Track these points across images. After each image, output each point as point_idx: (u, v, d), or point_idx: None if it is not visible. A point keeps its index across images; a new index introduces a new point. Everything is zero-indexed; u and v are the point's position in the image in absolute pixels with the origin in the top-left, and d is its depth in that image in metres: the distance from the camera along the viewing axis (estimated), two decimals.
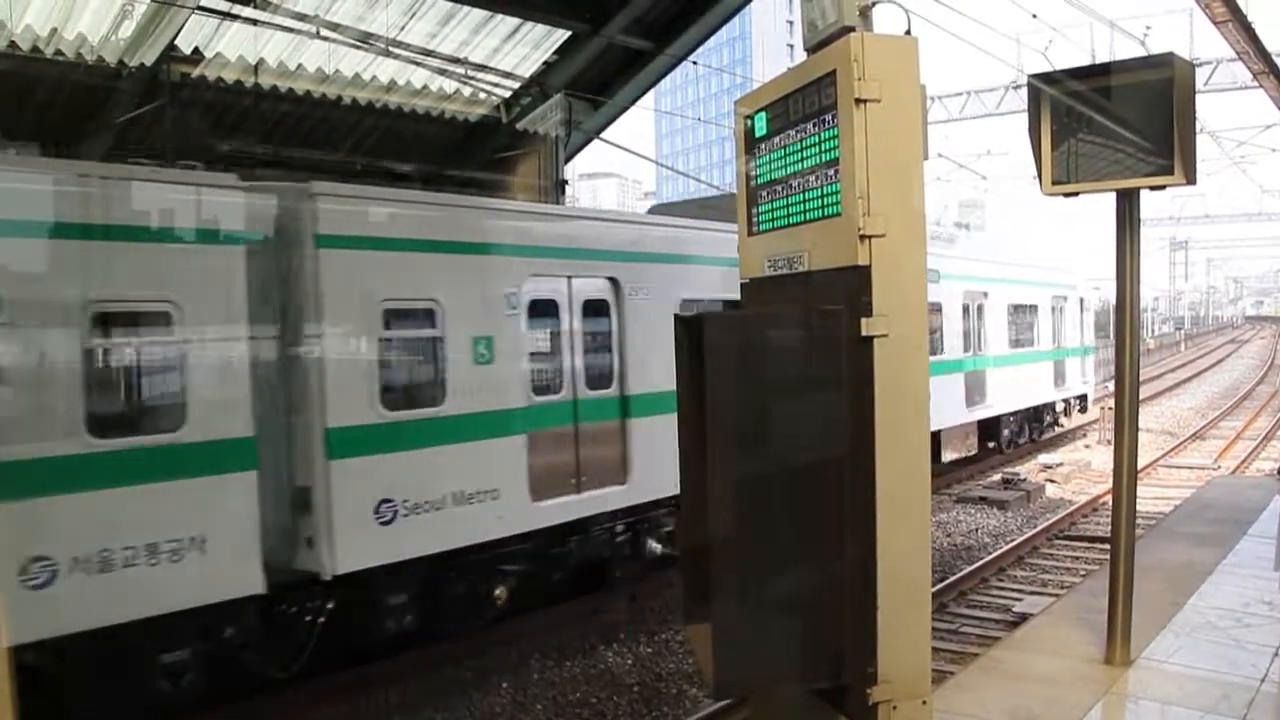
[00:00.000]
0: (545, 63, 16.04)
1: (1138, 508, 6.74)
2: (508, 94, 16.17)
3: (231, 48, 13.45)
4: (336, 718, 8.96)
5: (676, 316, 4.43)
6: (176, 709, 8.01)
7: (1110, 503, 7.20)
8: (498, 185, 16.42)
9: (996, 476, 20.02)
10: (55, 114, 13.16)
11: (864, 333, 3.68)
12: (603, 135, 17.30)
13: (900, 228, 3.72)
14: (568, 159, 17.40)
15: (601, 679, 9.88)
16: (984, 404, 20.05)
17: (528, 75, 16.11)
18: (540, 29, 15.32)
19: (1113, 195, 6.30)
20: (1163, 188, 6.08)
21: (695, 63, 17.06)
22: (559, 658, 10.39)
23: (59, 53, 12.07)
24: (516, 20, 14.86)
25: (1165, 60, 5.89)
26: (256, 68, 13.69)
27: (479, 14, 14.44)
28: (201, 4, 11.98)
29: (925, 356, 3.88)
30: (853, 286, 3.73)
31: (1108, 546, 7.51)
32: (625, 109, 17.24)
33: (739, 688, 4.56)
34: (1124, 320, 6.45)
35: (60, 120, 13.20)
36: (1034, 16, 18.09)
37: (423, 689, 9.52)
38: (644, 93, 17.21)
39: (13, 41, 11.60)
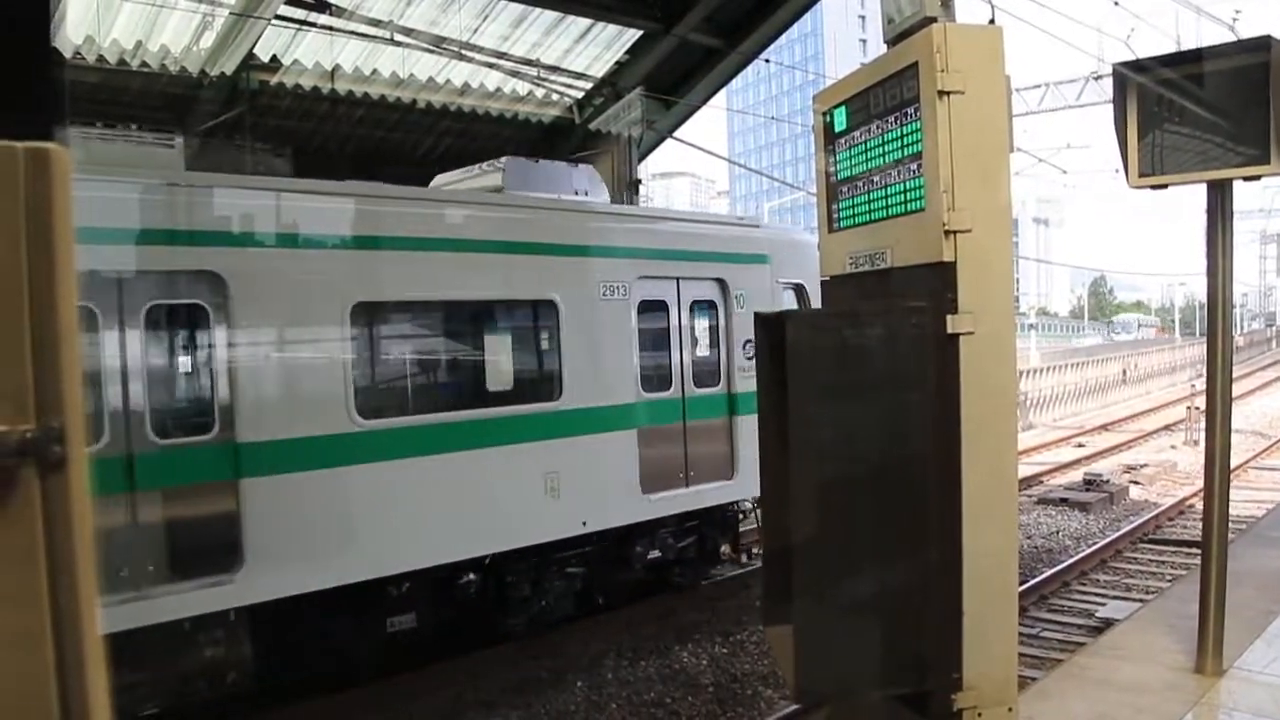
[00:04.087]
0: (617, 63, 16.06)
1: (1229, 510, 6.49)
2: (580, 95, 16.25)
3: (308, 55, 13.72)
4: (415, 714, 9.07)
5: (756, 315, 4.39)
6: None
7: (1198, 506, 6.96)
8: None
9: (1078, 477, 19.55)
10: (141, 124, 13.54)
11: (950, 330, 3.60)
12: (675, 134, 17.26)
13: (986, 222, 3.64)
14: (641, 158, 17.38)
15: (676, 679, 9.86)
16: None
17: (600, 76, 16.16)
18: (612, 29, 15.35)
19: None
20: (1258, 178, 5.85)
21: (767, 60, 16.94)
22: (634, 657, 10.40)
23: (144, 64, 12.43)
24: (588, 21, 14.91)
25: (1263, 43, 5.65)
26: (333, 74, 13.94)
27: (550, 15, 14.52)
28: (279, 14, 12.24)
29: (1013, 354, 3.78)
30: (938, 283, 3.65)
31: (1195, 551, 7.28)
32: (697, 108, 17.17)
33: (821, 693, 4.49)
34: (1216, 317, 6.24)
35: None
36: (1116, 4, 17.66)
37: (499, 686, 9.60)
38: (716, 91, 17.13)
39: (101, 55, 11.99)
